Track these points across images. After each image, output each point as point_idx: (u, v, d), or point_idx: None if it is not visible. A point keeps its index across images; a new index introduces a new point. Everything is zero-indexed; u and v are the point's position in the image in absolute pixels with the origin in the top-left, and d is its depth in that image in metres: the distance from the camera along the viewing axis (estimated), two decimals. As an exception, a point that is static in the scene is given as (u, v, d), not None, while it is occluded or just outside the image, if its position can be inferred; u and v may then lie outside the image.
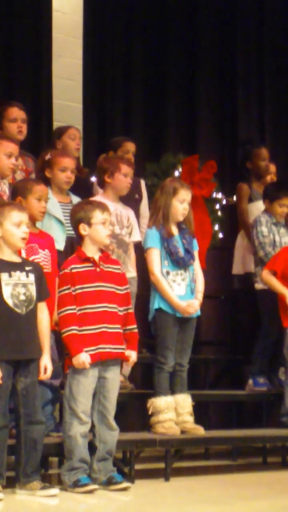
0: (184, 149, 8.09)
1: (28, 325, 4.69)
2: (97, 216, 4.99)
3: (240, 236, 7.22)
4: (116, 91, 8.61)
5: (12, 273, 4.70)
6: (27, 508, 4.50)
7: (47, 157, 5.79)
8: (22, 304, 4.68)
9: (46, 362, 4.73)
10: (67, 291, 4.88)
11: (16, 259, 4.77)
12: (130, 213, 6.09)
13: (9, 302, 4.65)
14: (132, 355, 5.00)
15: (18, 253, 4.82)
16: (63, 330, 4.85)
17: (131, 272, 5.95)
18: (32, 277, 4.74)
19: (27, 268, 4.75)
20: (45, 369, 4.71)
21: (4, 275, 4.67)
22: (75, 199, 5.79)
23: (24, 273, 4.72)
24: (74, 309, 4.86)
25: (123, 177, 5.92)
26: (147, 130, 8.70)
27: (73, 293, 4.87)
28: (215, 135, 9.12)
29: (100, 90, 8.49)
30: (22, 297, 4.68)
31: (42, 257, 5.23)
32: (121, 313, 4.99)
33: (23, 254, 5.03)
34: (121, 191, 5.98)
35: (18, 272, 4.71)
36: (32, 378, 4.68)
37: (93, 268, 4.95)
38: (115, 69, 8.61)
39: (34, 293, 4.72)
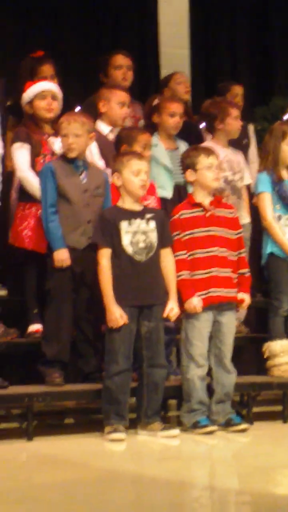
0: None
1: (149, 271, 4.78)
2: (202, 161, 5.02)
3: None
4: (223, 35, 8.50)
5: (132, 221, 4.80)
6: (149, 448, 4.64)
7: (155, 102, 5.80)
8: (142, 252, 4.78)
9: (172, 305, 4.82)
10: (176, 237, 4.95)
11: (136, 207, 4.86)
12: (240, 157, 6.07)
13: (129, 250, 4.76)
14: (245, 298, 5.04)
15: (140, 201, 4.91)
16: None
17: (245, 218, 5.96)
18: (152, 224, 4.83)
19: (147, 216, 4.83)
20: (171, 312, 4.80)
21: (124, 224, 4.78)
22: (182, 145, 5.80)
23: (144, 221, 4.82)
24: (184, 254, 4.93)
25: (234, 120, 5.91)
26: (255, 74, 8.57)
27: (183, 238, 4.95)
28: None
29: (207, 35, 8.40)
30: (142, 245, 4.78)
31: (152, 203, 5.30)
32: (233, 258, 5.03)
33: None
34: (234, 135, 5.97)
35: (138, 220, 4.81)
36: (156, 322, 4.79)
37: (202, 213, 5.00)
38: (221, 12, 8.50)
39: (154, 240, 4.81)
